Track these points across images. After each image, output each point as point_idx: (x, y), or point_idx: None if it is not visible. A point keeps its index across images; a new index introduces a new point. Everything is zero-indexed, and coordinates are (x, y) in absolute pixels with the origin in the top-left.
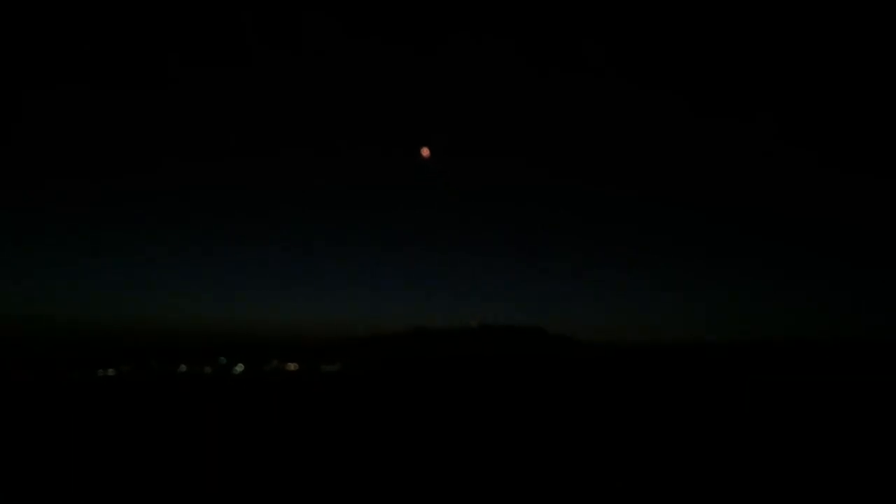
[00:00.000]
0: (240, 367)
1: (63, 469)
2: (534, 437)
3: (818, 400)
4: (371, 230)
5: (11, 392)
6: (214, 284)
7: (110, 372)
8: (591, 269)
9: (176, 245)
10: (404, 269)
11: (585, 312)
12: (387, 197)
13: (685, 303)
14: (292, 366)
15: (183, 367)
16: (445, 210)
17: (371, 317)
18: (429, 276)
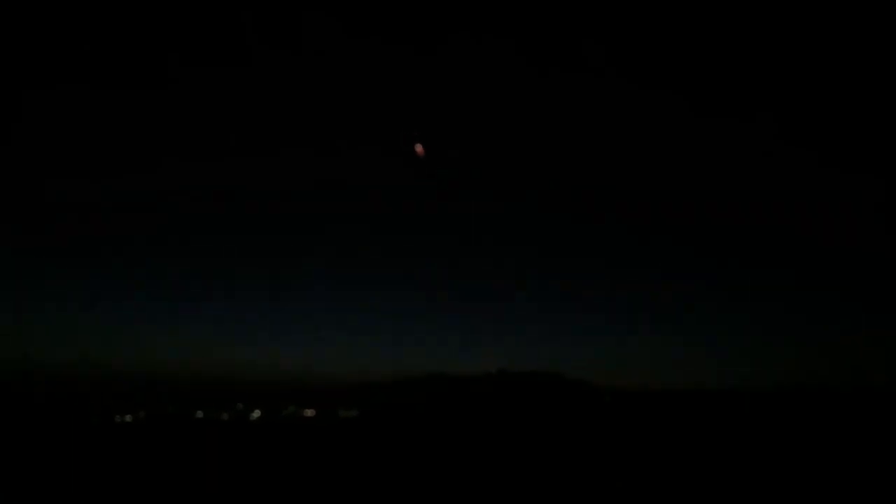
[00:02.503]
0: (257, 413)
1: None
2: (551, 486)
3: (840, 447)
4: (389, 275)
5: (28, 436)
6: (232, 328)
7: (127, 418)
8: (610, 314)
9: (194, 289)
10: (422, 314)
11: (604, 357)
12: (405, 242)
13: (709, 347)
14: (309, 412)
15: (199, 414)
16: (464, 255)
17: (389, 361)
18: (447, 320)
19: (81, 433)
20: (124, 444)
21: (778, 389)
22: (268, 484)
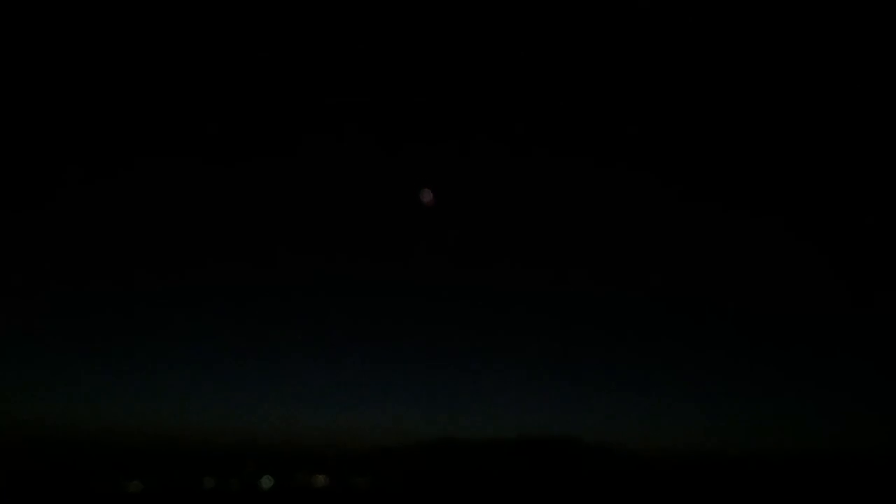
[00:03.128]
0: (268, 481)
1: None
2: None
3: None
4: (402, 338)
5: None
6: (237, 390)
7: (134, 485)
8: (629, 377)
9: (203, 353)
10: (436, 379)
11: (625, 421)
12: (418, 304)
13: (733, 410)
14: (321, 478)
15: (210, 482)
16: (478, 319)
17: (403, 425)
18: (461, 385)
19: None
20: None
21: (802, 454)
22: None
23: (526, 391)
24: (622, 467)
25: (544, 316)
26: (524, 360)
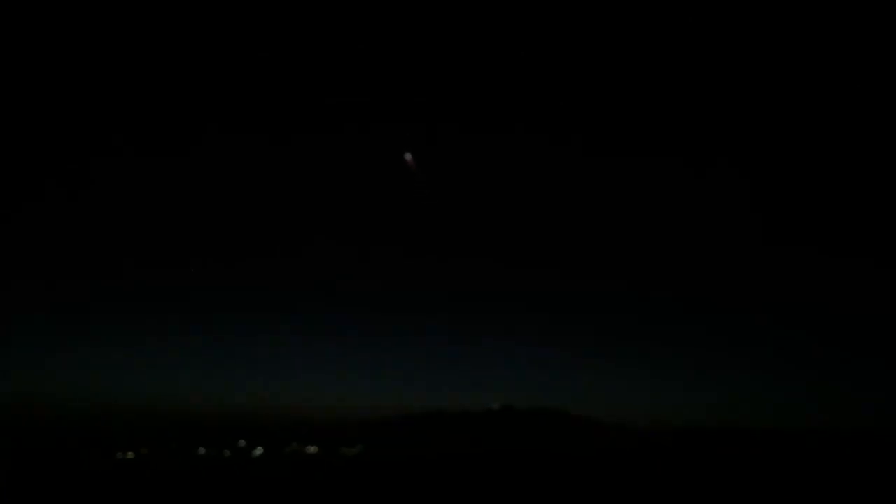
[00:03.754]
0: (259, 451)
1: None
2: None
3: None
4: (390, 310)
5: (30, 475)
6: (232, 365)
7: (129, 455)
8: (616, 349)
9: (195, 325)
10: (425, 351)
11: (611, 393)
12: (407, 277)
13: (722, 383)
14: (312, 448)
15: (202, 450)
16: (466, 292)
17: (391, 397)
18: (449, 356)
19: (83, 470)
20: (126, 482)
21: (780, 428)
22: None
23: (513, 363)
24: (607, 437)
25: (532, 290)
26: (512, 332)
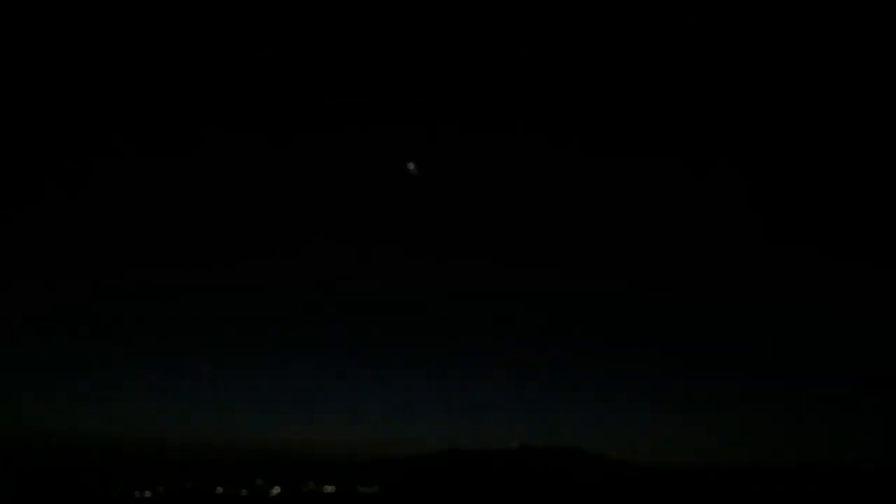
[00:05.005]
0: (276, 490)
1: None
2: None
3: None
4: (408, 349)
5: None
6: (248, 402)
7: (147, 494)
8: (633, 388)
9: (213, 363)
10: (441, 389)
11: (627, 432)
12: (424, 316)
13: (740, 423)
14: (329, 488)
15: (219, 490)
16: (483, 329)
17: (408, 436)
18: (466, 395)
19: None
20: None
21: (800, 467)
22: None
23: (530, 402)
24: (625, 477)
25: (550, 329)
26: (529, 371)
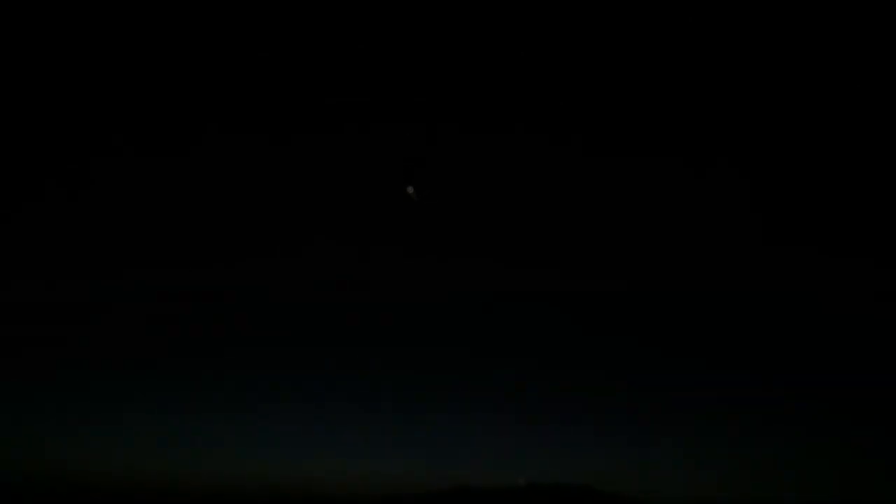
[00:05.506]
0: None
1: None
2: None
3: None
4: (413, 386)
5: None
6: (252, 441)
7: None
8: (641, 425)
9: (214, 402)
10: (448, 426)
11: (637, 469)
12: (428, 352)
13: (753, 461)
14: None
15: None
16: (490, 365)
17: (414, 474)
18: (473, 432)
19: None
20: None
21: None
22: None
23: (538, 439)
24: None
25: (557, 363)
26: (536, 406)
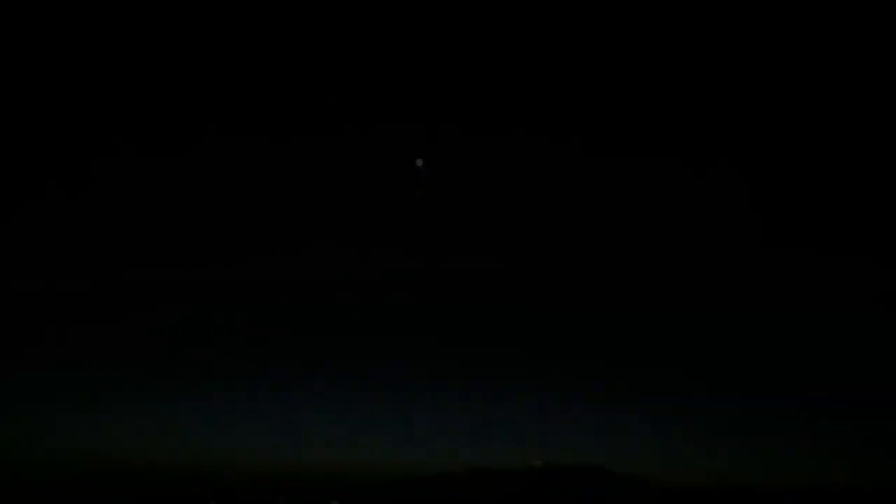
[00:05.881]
0: None
1: None
2: None
3: None
4: (428, 366)
5: None
6: (269, 422)
7: None
8: (657, 406)
9: (230, 384)
10: (464, 405)
11: (652, 450)
12: (441, 331)
13: (771, 441)
14: None
15: None
16: (503, 344)
17: (430, 454)
18: (488, 411)
19: None
20: None
21: (831, 487)
22: None
23: (552, 419)
24: (650, 496)
25: (570, 342)
26: (550, 386)
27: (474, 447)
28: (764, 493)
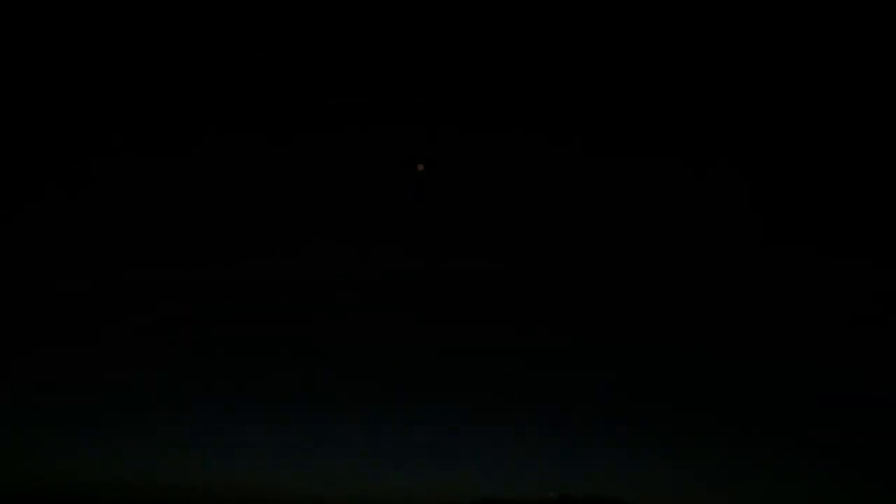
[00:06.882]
0: None
1: None
2: None
3: None
4: (439, 395)
5: None
6: (269, 453)
7: None
8: (673, 437)
9: (225, 413)
10: (476, 435)
11: (667, 482)
12: (454, 361)
13: (792, 470)
14: None
15: None
16: (516, 375)
17: (441, 486)
18: (501, 442)
19: None
20: None
21: None
22: None
23: (567, 450)
24: None
25: (585, 373)
26: (565, 417)
27: (487, 477)
28: None
